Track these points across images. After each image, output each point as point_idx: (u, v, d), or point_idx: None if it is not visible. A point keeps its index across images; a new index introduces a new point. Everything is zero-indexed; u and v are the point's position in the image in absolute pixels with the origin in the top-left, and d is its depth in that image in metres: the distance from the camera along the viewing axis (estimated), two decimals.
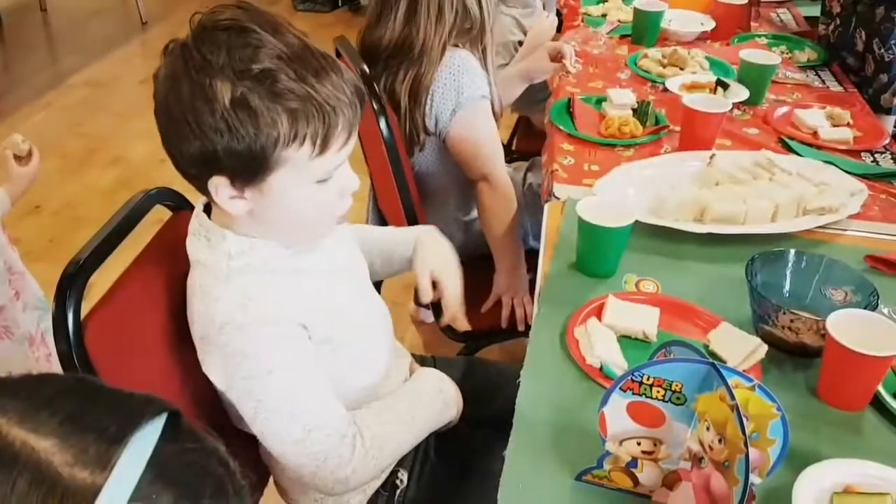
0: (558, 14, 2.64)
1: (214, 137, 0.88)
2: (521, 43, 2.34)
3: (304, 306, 1.02)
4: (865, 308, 1.09)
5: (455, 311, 1.30)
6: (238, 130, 0.87)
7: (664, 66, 2.08)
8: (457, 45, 1.69)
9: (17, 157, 1.67)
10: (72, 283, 0.96)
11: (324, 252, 1.08)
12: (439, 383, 1.24)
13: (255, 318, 0.97)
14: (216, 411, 1.13)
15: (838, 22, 2.18)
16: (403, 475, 1.23)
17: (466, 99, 1.66)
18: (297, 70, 0.88)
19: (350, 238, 1.21)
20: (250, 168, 0.90)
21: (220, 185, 0.93)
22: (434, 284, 1.27)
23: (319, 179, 0.95)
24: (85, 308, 0.98)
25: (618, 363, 1.11)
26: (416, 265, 1.27)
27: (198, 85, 0.87)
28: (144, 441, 0.48)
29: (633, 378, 0.86)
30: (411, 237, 1.31)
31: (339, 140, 0.93)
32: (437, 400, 1.21)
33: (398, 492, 1.23)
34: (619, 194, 1.47)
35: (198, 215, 1.04)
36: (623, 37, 2.34)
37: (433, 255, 1.28)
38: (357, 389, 1.15)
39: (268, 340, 0.98)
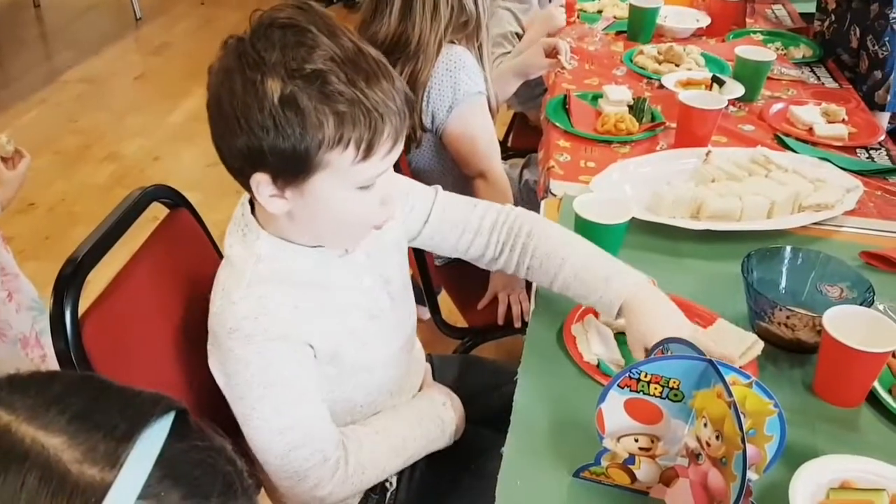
0: None
1: (261, 134, 0.87)
2: (518, 35, 2.33)
3: (317, 326, 1.01)
4: (861, 304, 1.10)
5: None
6: (284, 129, 0.87)
7: (660, 63, 2.08)
8: (453, 42, 1.69)
9: (4, 159, 1.64)
10: (69, 280, 0.96)
11: (352, 271, 1.07)
12: (441, 411, 1.21)
13: (264, 331, 0.96)
14: (213, 409, 1.12)
15: (833, 18, 2.19)
16: (392, 477, 1.23)
17: (463, 95, 1.66)
18: (348, 73, 0.88)
19: (396, 244, 1.17)
20: (293, 168, 0.90)
21: (261, 182, 0.92)
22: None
23: (361, 186, 0.94)
24: (81, 306, 0.98)
25: (615, 360, 1.12)
26: (630, 336, 1.08)
27: (249, 81, 0.87)
28: (153, 439, 0.48)
29: (631, 375, 0.87)
30: (615, 294, 1.09)
31: (384, 147, 0.91)
32: (433, 429, 1.19)
33: (388, 494, 1.22)
34: (615, 191, 1.47)
35: (243, 204, 1.04)
36: (619, 33, 2.34)
37: (650, 327, 1.05)
38: (359, 405, 1.14)
39: (272, 355, 0.98)
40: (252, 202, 1.03)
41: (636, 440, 0.90)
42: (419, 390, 1.29)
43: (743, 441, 0.78)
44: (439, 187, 1.23)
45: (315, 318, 1.01)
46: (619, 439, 0.90)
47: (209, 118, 0.93)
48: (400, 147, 0.95)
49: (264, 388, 0.99)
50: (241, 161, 0.92)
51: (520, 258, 1.19)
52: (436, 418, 1.20)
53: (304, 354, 1.01)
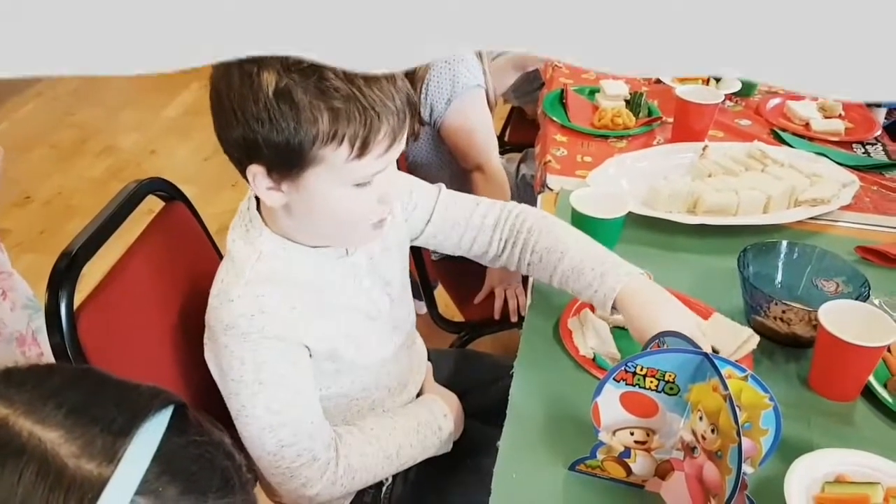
0: None
1: (255, 126, 0.87)
2: None
3: (314, 327, 1.01)
4: (857, 299, 1.10)
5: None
6: (278, 122, 0.86)
7: None
8: None
9: None
10: (64, 274, 0.95)
11: (352, 273, 1.06)
12: (441, 421, 1.20)
13: (260, 330, 0.96)
14: (210, 402, 1.12)
15: None
16: None
17: (462, 88, 1.65)
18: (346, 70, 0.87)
19: (398, 245, 1.16)
20: (287, 161, 0.90)
21: (257, 174, 0.92)
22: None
23: (357, 183, 0.93)
24: (77, 299, 0.98)
25: (611, 354, 1.12)
26: (631, 330, 1.07)
27: (246, 73, 0.87)
28: (151, 434, 0.48)
29: (627, 368, 0.87)
30: (609, 288, 1.08)
31: (380, 146, 0.90)
32: (430, 436, 1.18)
33: (384, 488, 1.22)
34: (612, 186, 1.47)
35: (250, 198, 1.03)
36: None
37: (649, 322, 1.03)
38: (355, 400, 1.14)
39: (266, 354, 0.98)
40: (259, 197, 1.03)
41: (632, 433, 0.90)
42: (421, 387, 1.28)
43: (738, 434, 0.78)
44: (443, 185, 1.22)
45: (312, 319, 1.01)
46: (614, 433, 0.91)
47: (211, 109, 0.93)
48: (399, 147, 0.94)
49: (258, 386, 0.99)
50: (238, 152, 0.92)
51: (521, 254, 1.19)
52: (435, 428, 1.19)
53: (299, 355, 1.01)
